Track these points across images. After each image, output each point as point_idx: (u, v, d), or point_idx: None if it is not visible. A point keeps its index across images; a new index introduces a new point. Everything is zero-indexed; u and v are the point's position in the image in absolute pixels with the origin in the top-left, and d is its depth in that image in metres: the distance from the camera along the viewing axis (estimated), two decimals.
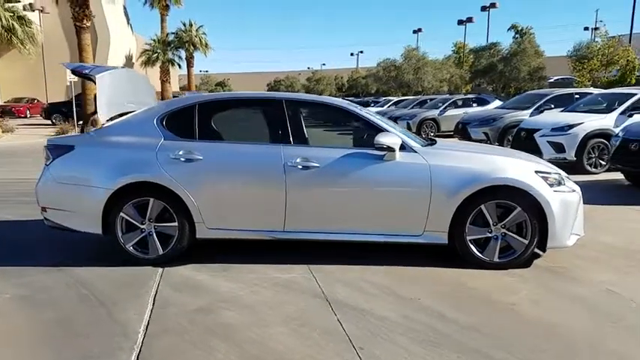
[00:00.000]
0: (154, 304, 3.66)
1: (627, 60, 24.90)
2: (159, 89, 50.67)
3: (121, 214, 4.38)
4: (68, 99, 26.96)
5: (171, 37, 45.81)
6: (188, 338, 3.13)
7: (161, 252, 4.43)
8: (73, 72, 4.73)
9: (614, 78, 25.64)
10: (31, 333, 3.29)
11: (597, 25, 35.19)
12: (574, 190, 4.39)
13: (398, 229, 4.35)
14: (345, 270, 4.30)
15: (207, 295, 3.82)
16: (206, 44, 48.14)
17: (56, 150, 4.52)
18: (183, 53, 47.30)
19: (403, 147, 4.30)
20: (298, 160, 4.29)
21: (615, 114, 10.09)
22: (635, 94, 10.34)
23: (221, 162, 4.38)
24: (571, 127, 10.06)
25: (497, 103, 18.65)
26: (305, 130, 4.49)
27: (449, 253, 4.46)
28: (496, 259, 4.30)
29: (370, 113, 4.67)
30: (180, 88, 64.28)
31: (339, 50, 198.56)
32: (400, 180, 4.27)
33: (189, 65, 48.79)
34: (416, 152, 4.32)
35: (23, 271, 4.34)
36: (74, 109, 21.37)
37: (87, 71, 4.63)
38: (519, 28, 31.40)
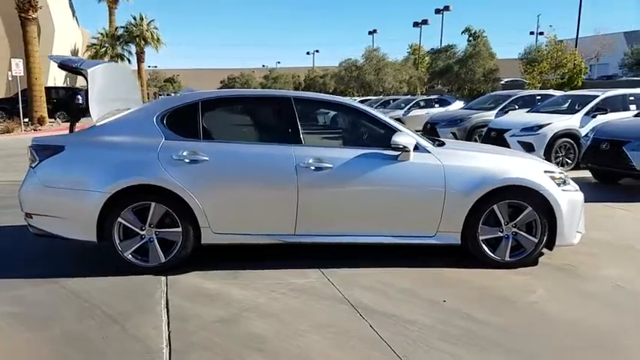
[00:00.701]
0: (168, 316, 3.41)
1: (574, 63, 26.13)
2: None
3: (119, 219, 4.07)
4: (10, 95, 25.36)
5: (120, 32, 44.20)
6: (220, 352, 2.92)
7: (163, 259, 4.16)
8: (61, 66, 4.34)
9: (563, 80, 26.84)
10: (39, 355, 2.98)
11: (542, 30, 36.80)
12: (578, 189, 4.46)
13: (411, 231, 4.28)
14: (359, 273, 4.18)
15: (224, 304, 3.60)
16: (158, 39, 46.78)
17: (43, 151, 4.15)
18: (133, 48, 45.78)
19: (416, 147, 4.23)
20: (310, 161, 4.13)
21: (580, 115, 10.50)
22: (598, 96, 10.80)
23: (229, 163, 4.16)
24: (540, 127, 10.39)
25: (459, 103, 19.11)
26: (318, 130, 4.34)
27: (451, 253, 4.44)
28: (507, 259, 4.31)
29: (381, 113, 4.58)
30: None
31: (294, 49, 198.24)
32: (414, 180, 4.20)
33: (140, 60, 47.23)
34: (429, 152, 4.26)
35: (9, 284, 3.96)
36: (20, 106, 20.15)
37: (76, 65, 4.27)
38: (473, 31, 32.31)
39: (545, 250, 4.46)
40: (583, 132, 10.28)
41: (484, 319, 3.38)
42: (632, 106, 10.71)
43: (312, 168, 4.13)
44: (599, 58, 33.76)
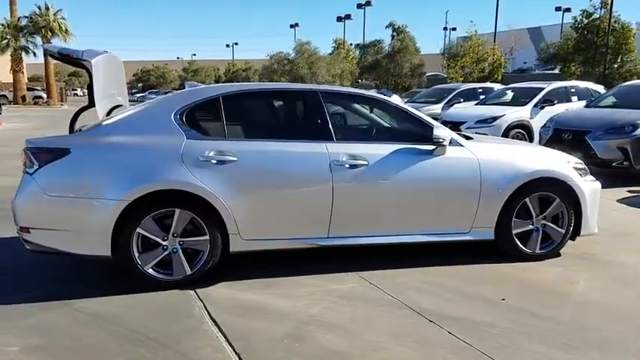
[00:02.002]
0: (225, 335, 3.03)
1: (494, 58, 27.67)
2: (7, 80, 44.61)
3: (138, 229, 3.59)
4: None
5: (24, 22, 40.56)
6: None
7: (189, 272, 3.73)
8: (59, 56, 3.72)
9: (484, 74, 28.34)
10: None
11: (454, 26, 38.51)
12: (595, 179, 4.59)
13: (447, 228, 4.17)
14: (396, 274, 4.01)
15: (276, 318, 3.28)
16: (66, 30, 43.57)
17: (44, 154, 3.57)
18: (39, 40, 42.19)
19: (450, 141, 4.12)
20: (345, 159, 3.88)
21: (530, 106, 11.04)
22: (544, 89, 11.42)
23: (259, 163, 3.80)
24: (495, 119, 10.78)
25: (396, 97, 19.46)
26: (348, 125, 4.10)
27: (467, 248, 4.38)
28: (538, 251, 4.33)
29: (409, 107, 4.42)
30: (28, 79, 57.10)
31: (211, 41, 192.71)
32: (450, 175, 4.09)
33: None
34: (462, 146, 4.17)
35: (17, 311, 3.37)
36: None
37: (76, 55, 3.70)
38: (396, 26, 33.13)
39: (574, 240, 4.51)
40: (533, 122, 10.84)
41: (549, 315, 3.32)
42: (574, 97, 11.44)
43: (347, 165, 3.89)
44: (513, 52, 36.02)
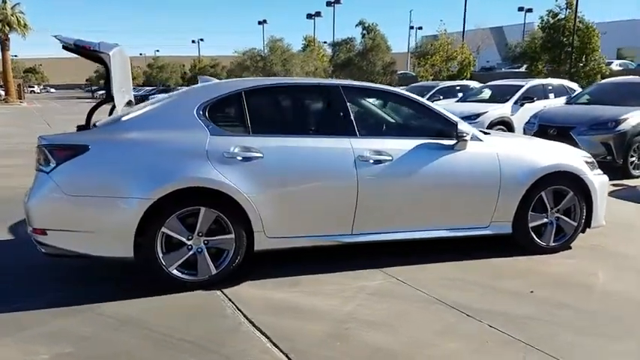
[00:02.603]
0: (266, 336, 2.95)
1: (463, 56, 28.16)
2: None
3: (163, 229, 3.46)
4: None
5: None
6: None
7: (214, 272, 3.62)
8: (75, 48, 3.52)
9: (453, 72, 28.81)
10: None
11: (420, 25, 38.96)
12: (602, 173, 4.71)
13: (467, 222, 4.19)
14: (420, 269, 4.00)
15: (314, 316, 3.22)
16: (25, 24, 41.88)
17: (61, 151, 3.39)
18: None
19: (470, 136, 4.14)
20: (369, 154, 3.85)
21: (510, 103, 11.28)
22: (523, 86, 11.69)
23: (285, 159, 3.72)
24: (478, 115, 10.95)
25: None
26: (370, 120, 4.06)
27: (479, 241, 4.39)
28: (552, 244, 4.41)
29: (430, 102, 4.42)
30: None
31: (175, 36, 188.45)
32: (472, 169, 4.11)
33: (4, 48, 41.91)
34: (482, 140, 4.20)
35: (38, 317, 3.19)
36: None
37: (93, 47, 3.52)
38: (366, 25, 33.32)
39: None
40: (514, 119, 11.09)
41: (580, 307, 3.37)
42: (551, 95, 11.76)
43: (371, 161, 3.85)
44: (480, 51, 36.80)
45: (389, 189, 3.93)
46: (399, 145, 3.97)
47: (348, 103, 3.97)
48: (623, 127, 8.22)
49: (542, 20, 24.62)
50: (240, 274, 3.75)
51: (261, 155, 3.64)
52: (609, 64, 25.41)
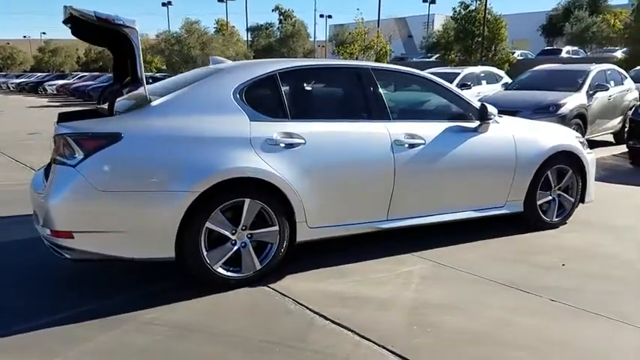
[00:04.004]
0: (348, 329, 2.81)
1: (380, 45, 28.94)
2: None
3: (207, 224, 3.18)
4: None
5: None
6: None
7: (258, 267, 3.40)
8: (97, 21, 3.01)
9: (372, 61, 29.52)
10: None
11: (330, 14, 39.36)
12: (591, 151, 5.05)
13: (488, 202, 4.30)
14: (454, 251, 4.02)
15: (382, 305, 3.13)
16: None
17: (90, 141, 2.97)
18: None
19: None
20: (404, 138, 3.81)
21: None
22: (459, 74, 12.25)
23: (327, 145, 3.56)
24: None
25: None
26: (399, 103, 4.01)
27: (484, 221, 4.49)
28: (554, 219, 4.67)
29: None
30: None
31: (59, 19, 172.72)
32: (493, 151, 4.22)
33: None
34: (499, 123, 4.32)
35: (79, 330, 2.81)
36: None
37: (117, 20, 3.06)
38: (283, 10, 33.03)
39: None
40: None
41: (616, 275, 3.60)
42: (484, 81, 12.47)
43: (406, 145, 3.82)
44: (392, 40, 37.97)
45: (423, 173, 3.92)
46: (429, 129, 3.97)
47: (380, 86, 3.89)
48: (562, 110, 8.90)
49: (455, 11, 25.97)
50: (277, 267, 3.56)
51: (303, 141, 3.45)
52: (512, 53, 27.46)
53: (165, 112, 3.20)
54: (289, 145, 3.41)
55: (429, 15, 48.49)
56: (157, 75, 22.60)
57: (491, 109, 4.12)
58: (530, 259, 3.92)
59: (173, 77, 4.29)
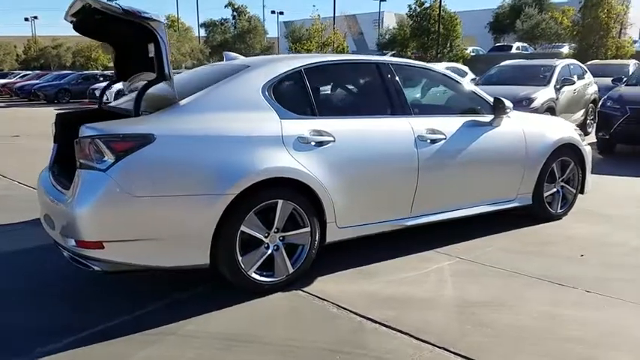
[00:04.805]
0: (402, 332, 2.74)
1: (337, 42, 28.99)
2: None
3: (242, 227, 3.02)
4: None
5: None
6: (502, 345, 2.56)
7: (291, 270, 3.27)
8: (124, 14, 2.78)
9: None
10: None
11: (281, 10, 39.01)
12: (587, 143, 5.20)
13: (501, 196, 4.34)
14: (472, 247, 4.02)
15: (424, 305, 3.07)
16: None
17: (121, 143, 2.75)
18: None
19: None
20: (426, 133, 3.77)
21: None
22: None
23: (356, 143, 3.46)
24: None
25: None
26: (417, 98, 3.97)
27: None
28: (559, 211, 4.78)
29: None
30: None
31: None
32: (506, 145, 4.25)
33: None
34: (510, 117, 4.36)
35: (117, 347, 2.58)
36: None
37: (143, 14, 2.84)
38: (236, 6, 32.48)
39: None
40: None
41: (636, 263, 3.72)
42: None
43: (429, 140, 3.78)
44: (346, 37, 38.17)
45: (444, 168, 3.90)
46: (448, 123, 3.95)
47: (400, 82, 3.83)
48: (535, 104, 9.17)
49: (410, 9, 26.37)
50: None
51: (332, 139, 3.34)
52: (465, 50, 28.20)
53: (195, 111, 3.02)
54: (319, 143, 3.29)
55: (380, 12, 49.09)
56: (106, 72, 21.56)
57: (508, 103, 4.15)
58: (546, 251, 3.98)
59: (184, 74, 4.07)
